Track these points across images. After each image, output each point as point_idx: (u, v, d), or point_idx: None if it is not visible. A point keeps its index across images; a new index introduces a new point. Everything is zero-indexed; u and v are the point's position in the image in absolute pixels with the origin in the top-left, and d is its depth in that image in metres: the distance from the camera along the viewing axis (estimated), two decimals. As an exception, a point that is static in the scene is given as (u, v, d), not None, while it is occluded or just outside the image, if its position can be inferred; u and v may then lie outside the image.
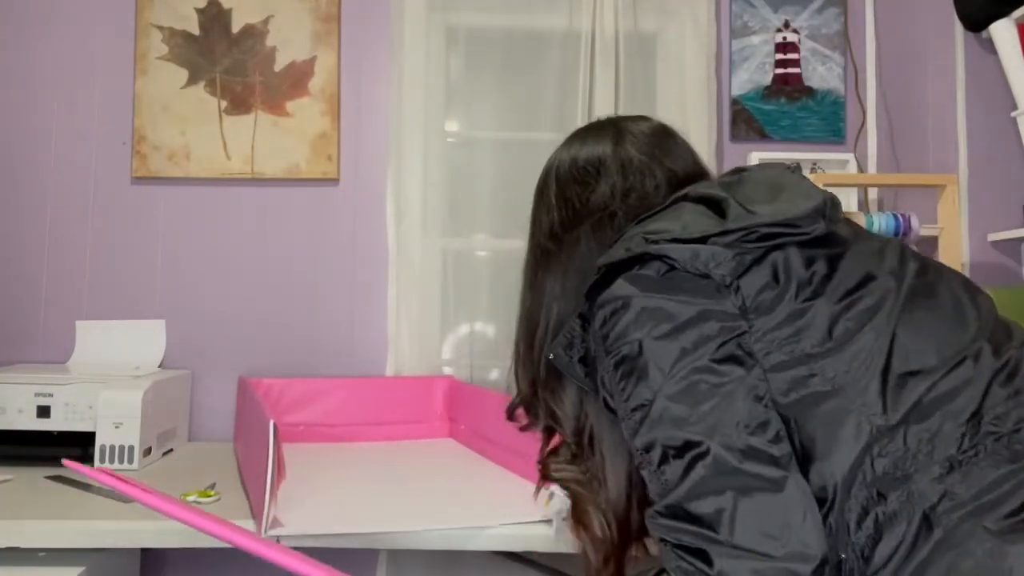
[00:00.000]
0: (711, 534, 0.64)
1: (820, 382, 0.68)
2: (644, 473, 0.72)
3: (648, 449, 0.70)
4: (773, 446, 0.66)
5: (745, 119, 2.09)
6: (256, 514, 1.17)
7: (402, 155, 1.97)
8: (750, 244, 0.73)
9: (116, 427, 1.55)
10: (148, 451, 1.61)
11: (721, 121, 2.08)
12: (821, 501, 0.66)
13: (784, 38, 2.11)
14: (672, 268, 0.74)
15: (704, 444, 0.66)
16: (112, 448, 1.55)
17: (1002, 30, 1.74)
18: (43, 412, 1.57)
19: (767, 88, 2.10)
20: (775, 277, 0.73)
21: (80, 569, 1.24)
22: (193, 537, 1.21)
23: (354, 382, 1.89)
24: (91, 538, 1.21)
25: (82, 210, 1.98)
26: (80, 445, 1.57)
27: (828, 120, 2.10)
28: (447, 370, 1.97)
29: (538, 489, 1.06)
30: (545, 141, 2.04)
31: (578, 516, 0.93)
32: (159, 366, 1.93)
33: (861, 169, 2.07)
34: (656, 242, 0.74)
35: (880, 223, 1.83)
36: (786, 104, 2.10)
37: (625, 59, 1.99)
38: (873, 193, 2.08)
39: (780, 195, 0.77)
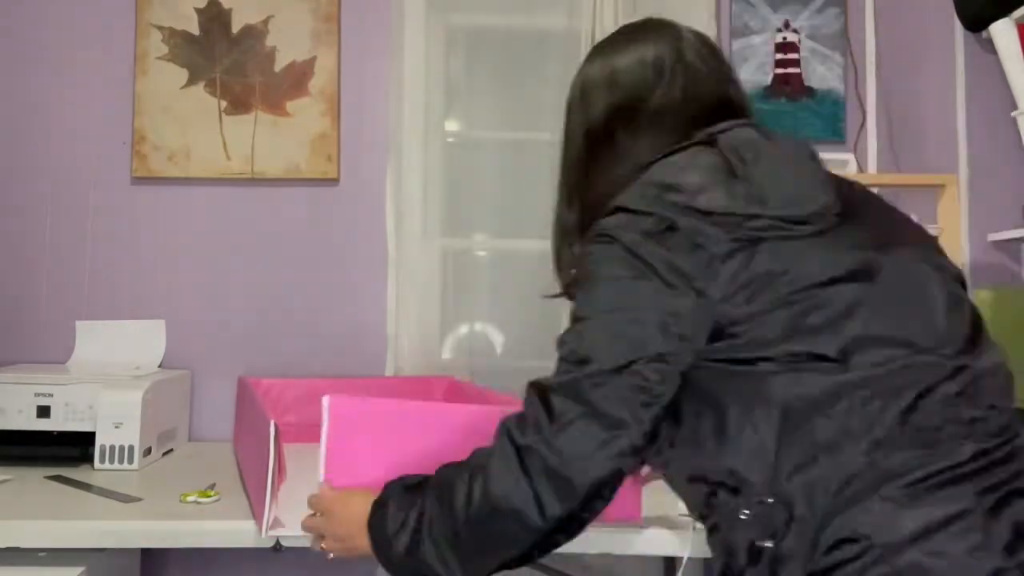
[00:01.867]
0: (546, 421, 0.79)
1: (781, 360, 0.77)
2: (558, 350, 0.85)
3: (562, 344, 0.83)
4: (645, 411, 0.78)
5: (745, 119, 2.09)
6: (256, 514, 1.17)
7: (402, 155, 1.97)
8: (751, 230, 0.79)
9: (116, 427, 1.55)
10: (148, 451, 1.61)
11: (721, 121, 2.07)
12: (761, 452, 0.76)
13: (784, 38, 2.11)
14: (671, 228, 0.80)
15: (588, 374, 0.79)
16: (112, 448, 1.55)
17: (1002, 30, 1.74)
18: (43, 412, 1.57)
19: (767, 88, 2.10)
20: (763, 264, 0.79)
21: (80, 569, 1.24)
22: (193, 537, 1.22)
23: (355, 382, 1.88)
24: (91, 538, 1.21)
25: (82, 210, 1.98)
26: (80, 445, 1.57)
27: (828, 120, 2.10)
28: (446, 370, 1.97)
29: None
30: (545, 141, 2.05)
31: None
32: (159, 366, 1.93)
33: (861, 169, 2.07)
34: (669, 202, 0.81)
35: (880, 223, 1.82)
36: (786, 104, 2.10)
37: (625, 59, 1.99)
38: (873, 193, 2.08)
39: (792, 184, 0.82)
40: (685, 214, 0.80)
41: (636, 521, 1.15)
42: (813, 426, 0.75)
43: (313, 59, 2.02)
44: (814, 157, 0.88)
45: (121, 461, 1.55)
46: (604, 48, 1.03)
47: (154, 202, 1.99)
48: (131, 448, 1.55)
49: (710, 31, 2.05)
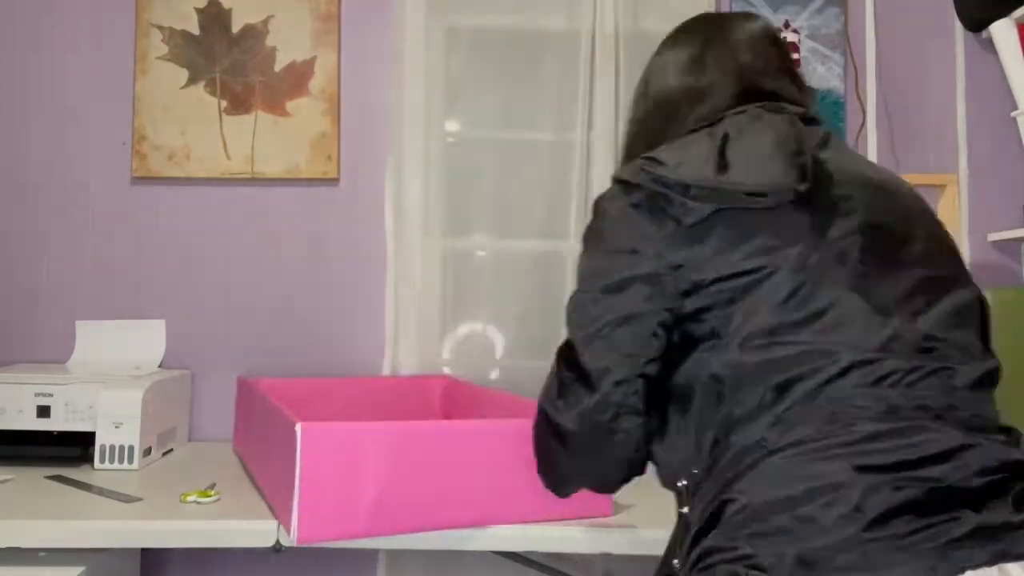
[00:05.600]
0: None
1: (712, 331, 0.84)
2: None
3: (572, 298, 0.93)
4: (631, 369, 0.86)
5: (745, 119, 2.09)
6: (283, 520, 1.17)
7: (402, 155, 1.97)
8: (717, 201, 0.85)
9: (116, 427, 1.55)
10: (148, 451, 1.61)
11: (721, 121, 2.07)
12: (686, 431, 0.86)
13: (784, 38, 2.10)
14: (651, 198, 0.88)
15: (575, 340, 0.90)
16: (112, 448, 1.55)
17: (1002, 30, 1.74)
18: (43, 412, 1.57)
19: (767, 88, 2.09)
20: (727, 234, 0.84)
21: (80, 569, 1.24)
22: (193, 537, 1.22)
23: (354, 381, 1.88)
24: (91, 538, 1.21)
25: (82, 210, 1.98)
26: (80, 445, 1.57)
27: (828, 120, 2.10)
28: (446, 370, 1.97)
29: None
30: (545, 141, 2.05)
31: None
32: (159, 366, 1.93)
33: (861, 169, 2.06)
34: (650, 173, 0.89)
35: (880, 223, 1.82)
36: (786, 104, 2.09)
37: (625, 59, 1.99)
38: (873, 193, 2.07)
39: (764, 160, 0.87)
40: (660, 184, 0.87)
41: (606, 515, 1.24)
42: (732, 402, 0.81)
43: (313, 59, 2.02)
44: (798, 137, 0.90)
45: (121, 461, 1.55)
46: (679, 38, 1.09)
47: (154, 202, 1.99)
48: (131, 448, 1.55)
49: (710, 31, 2.05)
